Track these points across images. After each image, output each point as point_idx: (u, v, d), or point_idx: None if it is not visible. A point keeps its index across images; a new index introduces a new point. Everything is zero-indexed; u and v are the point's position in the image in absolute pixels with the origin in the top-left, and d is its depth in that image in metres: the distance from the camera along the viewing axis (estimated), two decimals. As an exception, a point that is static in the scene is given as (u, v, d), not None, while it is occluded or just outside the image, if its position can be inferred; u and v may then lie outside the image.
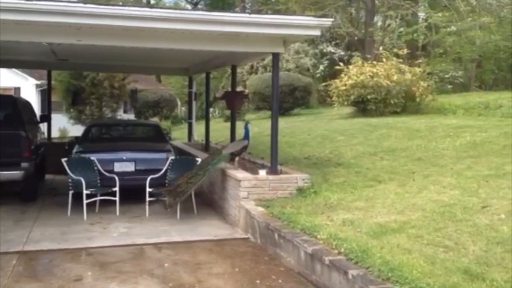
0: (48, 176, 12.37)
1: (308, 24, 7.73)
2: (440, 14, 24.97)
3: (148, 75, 32.87)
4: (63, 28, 7.07)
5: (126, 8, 6.98)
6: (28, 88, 26.91)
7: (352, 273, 4.66)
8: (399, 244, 5.21)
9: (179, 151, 12.61)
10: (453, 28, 25.48)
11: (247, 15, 7.49)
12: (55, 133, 20.84)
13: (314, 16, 7.62)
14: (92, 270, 5.95)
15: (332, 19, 8.25)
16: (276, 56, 8.21)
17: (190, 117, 15.43)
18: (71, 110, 20.01)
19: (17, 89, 26.89)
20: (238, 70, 27.14)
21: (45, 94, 25.54)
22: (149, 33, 7.35)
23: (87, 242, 7.08)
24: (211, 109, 26.09)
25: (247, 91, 23.10)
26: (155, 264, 6.19)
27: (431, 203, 6.55)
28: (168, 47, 7.76)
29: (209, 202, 9.85)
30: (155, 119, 20.64)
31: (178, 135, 19.21)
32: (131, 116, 26.07)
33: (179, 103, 28.43)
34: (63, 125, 23.34)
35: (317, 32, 7.88)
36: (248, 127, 9.05)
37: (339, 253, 5.19)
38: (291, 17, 7.67)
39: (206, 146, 12.70)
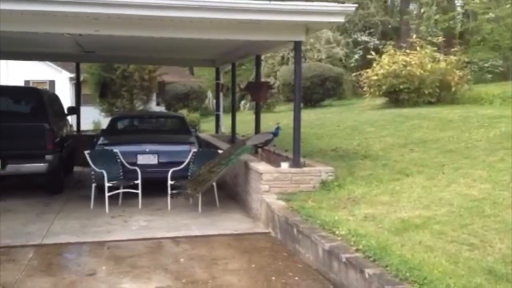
0: (77, 169, 12.45)
1: (331, 10, 7.44)
2: (478, 1, 24.11)
3: (181, 68, 33.10)
4: (81, 18, 7.00)
5: (144, -3, 6.84)
6: (62, 81, 27.35)
7: (368, 272, 4.41)
8: (421, 241, 4.93)
9: (205, 143, 12.52)
10: (491, 15, 24.54)
11: (267, 2, 7.23)
12: (89, 126, 21.11)
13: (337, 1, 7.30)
14: (106, 264, 5.86)
15: (356, 5, 7.93)
16: (298, 45, 7.95)
17: (217, 109, 15.29)
18: (102, 102, 20.15)
19: (52, 82, 27.39)
20: (269, 61, 26.98)
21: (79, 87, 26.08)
22: (166, 23, 7.21)
23: (105, 236, 7.02)
24: (242, 102, 25.99)
25: (274, 80, 22.90)
26: (171, 259, 6.06)
27: (459, 197, 6.21)
28: (186, 37, 7.60)
29: (233, 195, 9.70)
30: (184, 111, 20.59)
31: (207, 127, 19.13)
32: (163, 109, 26.17)
33: (210, 95, 28.36)
34: (97, 118, 23.63)
35: (341, 19, 7.57)
36: (278, 131, 8.77)
37: (357, 250, 4.94)
38: (314, 3, 7.37)
39: (232, 139, 12.55)
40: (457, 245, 4.70)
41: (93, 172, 8.73)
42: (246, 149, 8.67)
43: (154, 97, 26.04)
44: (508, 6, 23.66)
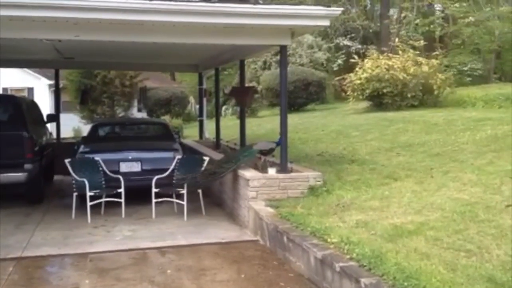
0: (57, 177, 12.14)
1: (316, 14, 7.32)
2: (457, 5, 24.30)
3: (162, 73, 32.78)
4: (60, 23, 6.78)
5: (125, 0, 6.63)
6: (41, 88, 26.89)
7: (364, 281, 4.27)
8: (416, 248, 4.81)
9: (189, 150, 12.31)
10: (471, 18, 24.76)
11: (252, 5, 7.11)
12: (69, 133, 20.71)
13: (323, 5, 7.18)
14: (90, 277, 5.63)
15: (342, 9, 7.83)
16: (283, 49, 7.81)
17: (201, 114, 15.08)
18: (82, 109, 19.79)
19: (31, 90, 26.91)
20: (252, 66, 26.85)
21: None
22: (148, 27, 7.02)
23: (88, 247, 6.78)
24: (224, 107, 25.78)
25: (257, 85, 22.79)
26: (157, 270, 5.86)
27: (451, 201, 6.11)
28: (169, 42, 7.43)
29: (219, 202, 9.52)
30: (166, 117, 20.32)
31: (190, 133, 18.92)
32: (144, 115, 25.86)
33: (192, 100, 28.12)
34: (77, 125, 23.22)
35: (326, 22, 7.46)
36: (281, 141, 8.44)
37: (351, 259, 4.79)
38: (299, 7, 7.29)
39: (216, 144, 12.35)
40: (453, 252, 4.58)
41: (74, 181, 8.47)
42: (253, 152, 8.52)
43: (135, 103, 25.72)
44: (487, 9, 23.91)
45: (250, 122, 19.57)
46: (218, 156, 10.12)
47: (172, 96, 25.90)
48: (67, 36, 7.04)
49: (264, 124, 18.15)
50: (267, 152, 8.62)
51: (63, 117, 18.72)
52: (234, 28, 7.38)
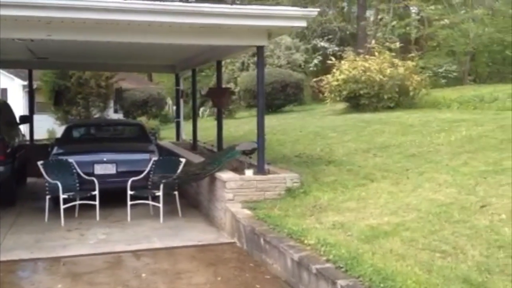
0: (30, 180, 11.90)
1: (293, 14, 7.31)
2: (432, 7, 24.58)
3: (138, 74, 32.48)
4: (32, 22, 6.66)
5: (99, 0, 6.52)
6: (15, 89, 26.37)
7: (341, 283, 4.24)
8: (392, 249, 4.81)
9: (166, 151, 12.19)
10: (446, 21, 25.06)
11: (229, 5, 7.06)
12: (43, 135, 20.37)
13: (300, 6, 7.18)
14: (63, 282, 5.51)
15: (318, 10, 7.83)
16: (260, 50, 7.78)
17: (177, 115, 14.96)
18: (57, 110, 19.47)
19: (4, 90, 26.34)
20: (229, 67, 26.77)
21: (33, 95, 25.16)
22: (124, 27, 6.92)
23: (61, 251, 6.64)
24: (202, 108, 25.65)
25: (234, 87, 22.74)
26: (132, 274, 5.76)
27: (426, 202, 6.15)
28: (145, 42, 7.34)
29: (195, 203, 9.43)
30: (143, 118, 20.13)
31: (167, 135, 18.75)
32: (121, 116, 25.59)
33: (170, 102, 27.91)
34: (51, 126, 22.84)
35: (303, 24, 7.45)
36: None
37: (328, 261, 4.77)
38: (275, 7, 7.27)
39: (193, 146, 12.26)
40: (429, 253, 4.59)
41: (47, 184, 8.30)
42: (236, 153, 8.44)
43: (111, 104, 25.42)
44: (462, 12, 24.23)
45: (227, 124, 19.52)
46: (195, 157, 10.05)
47: (149, 97, 25.67)
48: (39, 35, 6.91)
49: (242, 126, 18.10)
50: (250, 153, 8.55)
51: (38, 118, 18.35)
52: (210, 28, 7.33)
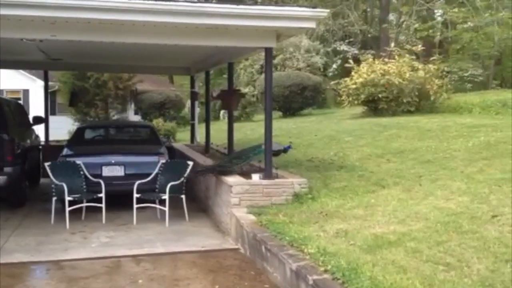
0: (44, 180, 11.88)
1: (302, 15, 7.10)
2: (456, 10, 24.08)
3: (160, 76, 32.55)
4: (36, 22, 6.60)
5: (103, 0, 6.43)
6: (36, 90, 26.61)
7: (336, 296, 4.03)
8: (394, 260, 4.57)
9: (179, 154, 12.09)
10: (470, 24, 24.54)
11: (235, 5, 6.87)
12: (64, 136, 20.48)
13: (308, 6, 6.97)
14: (57, 287, 5.40)
15: (328, 11, 7.61)
16: (269, 51, 7.59)
17: (192, 118, 14.84)
18: (76, 111, 19.56)
19: (26, 91, 26.73)
20: (248, 69, 26.64)
21: (53, 96, 25.37)
22: (128, 27, 6.81)
23: (61, 254, 6.55)
24: (222, 111, 25.51)
25: (252, 90, 22.56)
26: (129, 280, 5.62)
27: (436, 211, 5.88)
28: (150, 42, 7.21)
29: (204, 208, 9.29)
30: (159, 120, 20.09)
31: (183, 137, 18.68)
32: (139, 118, 25.62)
33: (189, 104, 27.88)
34: (71, 127, 22.99)
35: (312, 24, 7.25)
36: (288, 148, 8.62)
37: (326, 271, 4.56)
38: (284, 8, 7.06)
39: (206, 149, 12.12)
40: (432, 265, 4.34)
41: (53, 185, 8.25)
42: (262, 151, 8.27)
43: (132, 106, 25.49)
44: (486, 15, 23.68)
45: (244, 126, 19.42)
46: (205, 160, 9.92)
47: (167, 99, 25.67)
48: (44, 35, 6.86)
49: (258, 129, 17.88)
50: (275, 154, 8.47)
51: (58, 119, 18.47)
52: (217, 29, 7.17)
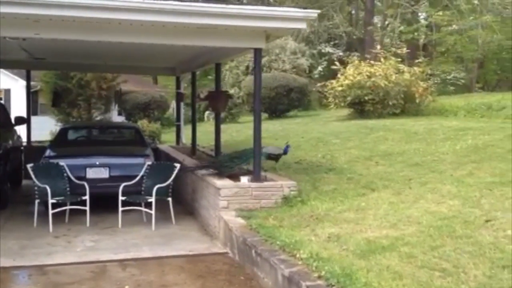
0: (27, 182, 11.61)
1: (292, 16, 7.01)
2: (441, 13, 24.24)
3: (145, 77, 32.27)
4: (20, 20, 6.39)
5: (89, -3, 6.27)
6: (18, 89, 26.18)
7: (331, 303, 3.93)
8: (389, 266, 4.48)
9: (164, 156, 11.92)
10: (454, 27, 24.73)
11: (224, 5, 6.75)
12: (46, 136, 20.12)
13: (298, 7, 6.89)
14: (41, 293, 5.23)
15: (318, 11, 7.53)
16: (258, 52, 7.48)
17: (178, 119, 14.66)
18: (58, 112, 19.23)
19: (7, 91, 26.22)
20: (234, 71, 26.51)
21: (36, 96, 24.95)
22: (115, 26, 6.66)
23: (45, 259, 6.35)
24: (207, 112, 25.36)
25: (237, 91, 22.45)
26: (115, 285, 5.46)
27: (428, 215, 5.82)
28: (137, 42, 7.05)
29: (191, 211, 9.14)
30: (143, 122, 19.86)
31: (169, 138, 18.49)
32: (124, 118, 25.34)
33: (174, 105, 27.68)
34: (55, 128, 22.62)
35: (302, 25, 7.16)
36: (288, 149, 8.78)
37: (319, 277, 4.45)
38: (274, 8, 6.96)
39: (192, 150, 11.97)
40: (428, 271, 4.26)
41: (36, 188, 8.04)
42: (261, 154, 8.21)
43: (116, 106, 25.19)
44: (471, 18, 23.86)
45: (230, 128, 19.28)
46: (191, 162, 9.77)
47: (151, 100, 25.43)
48: (28, 34, 6.68)
49: (244, 130, 17.80)
50: (275, 157, 8.59)
51: (40, 120, 18.10)
52: (206, 29, 7.05)
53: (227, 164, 8.31)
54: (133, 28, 6.74)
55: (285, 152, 8.65)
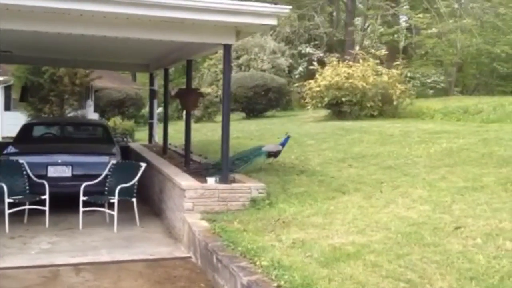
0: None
1: (263, 11, 6.76)
2: (421, 15, 24.24)
3: (123, 74, 31.74)
4: (-27, 9, 6.02)
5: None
6: (-10, 84, 25.54)
7: (287, 316, 3.67)
8: (352, 275, 4.24)
9: (134, 154, 11.59)
10: (434, 30, 24.74)
11: (192, -2, 6.46)
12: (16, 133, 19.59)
13: (270, 2, 6.63)
14: (-16, 300, 4.89)
15: (290, 7, 7.29)
16: (227, 48, 7.20)
17: (151, 117, 14.31)
18: (29, 107, 18.69)
19: (-22, 86, 25.53)
20: (212, 69, 26.18)
21: (9, 91, 24.29)
22: (75, 17, 6.33)
23: (-4, 262, 6.00)
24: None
25: (215, 90, 22.14)
26: (65, 292, 5.14)
27: (397, 220, 5.60)
28: (99, 34, 6.73)
29: (159, 212, 8.82)
30: (117, 119, 19.42)
31: (142, 136, 18.10)
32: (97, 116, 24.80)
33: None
34: (26, 124, 22.01)
35: (273, 21, 6.90)
36: (287, 139, 9.24)
37: (278, 287, 4.19)
38: (244, 2, 6.66)
39: (164, 149, 11.64)
40: (392, 282, 4.02)
41: (-8, 186, 7.65)
42: (262, 153, 8.62)
43: (92, 103, 24.64)
44: (451, 21, 23.88)
45: (205, 127, 18.97)
46: (159, 162, 9.45)
47: (126, 97, 24.97)
48: (-19, 24, 6.27)
49: (219, 129, 17.43)
50: (274, 155, 8.67)
51: (13, 115, 17.55)
52: (173, 23, 6.76)
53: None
54: (95, 20, 6.41)
55: (283, 145, 8.85)
